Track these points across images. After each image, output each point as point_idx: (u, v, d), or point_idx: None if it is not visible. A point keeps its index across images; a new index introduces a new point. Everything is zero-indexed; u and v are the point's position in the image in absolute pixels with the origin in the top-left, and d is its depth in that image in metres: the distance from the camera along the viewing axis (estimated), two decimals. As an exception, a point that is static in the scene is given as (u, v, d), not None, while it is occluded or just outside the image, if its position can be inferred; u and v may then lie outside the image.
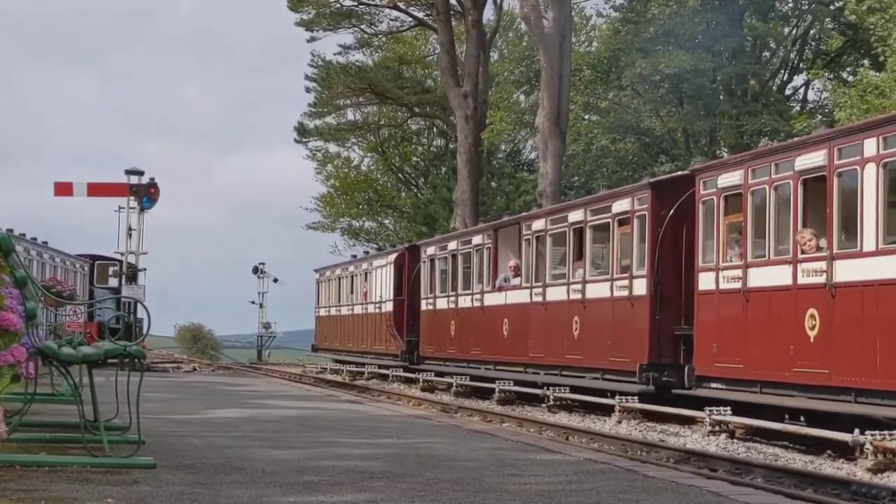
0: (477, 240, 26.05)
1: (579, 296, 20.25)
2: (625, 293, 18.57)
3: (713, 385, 16.33)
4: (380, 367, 32.53)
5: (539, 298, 22.11)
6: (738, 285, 15.66)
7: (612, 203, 19.39)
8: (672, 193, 17.94)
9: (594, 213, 20.15)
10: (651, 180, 19.07)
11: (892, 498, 10.07)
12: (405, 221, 53.82)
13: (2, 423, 6.47)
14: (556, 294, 21.39)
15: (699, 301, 16.79)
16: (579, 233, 20.68)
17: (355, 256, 42.89)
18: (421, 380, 27.81)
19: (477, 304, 25.50)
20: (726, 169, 16.50)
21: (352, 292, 37.49)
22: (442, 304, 28.04)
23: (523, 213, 25.59)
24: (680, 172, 19.88)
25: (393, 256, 32.42)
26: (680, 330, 17.58)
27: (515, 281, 23.43)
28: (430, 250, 29.53)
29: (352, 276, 37.88)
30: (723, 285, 16.14)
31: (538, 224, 22.59)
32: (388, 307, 32.06)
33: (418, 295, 29.85)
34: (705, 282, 16.65)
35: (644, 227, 18.21)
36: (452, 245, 27.87)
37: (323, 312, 42.55)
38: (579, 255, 20.61)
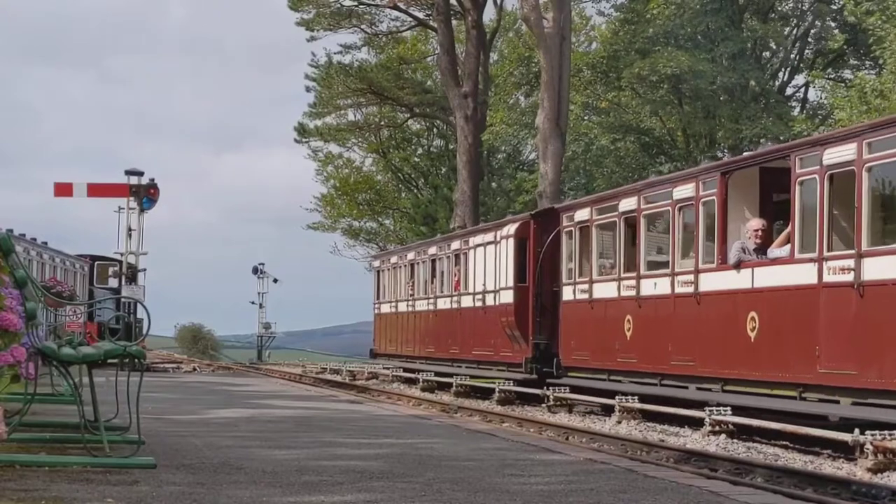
0: (684, 191, 17.13)
1: None
2: None
3: None
4: (475, 378, 24.91)
5: (842, 277, 13.46)
6: None
7: None
8: None
9: None
10: None
11: (892, 498, 10.07)
12: (405, 221, 53.85)
13: (2, 423, 6.47)
14: (890, 269, 12.87)
15: None
16: None
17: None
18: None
19: (685, 289, 16.96)
20: None
21: (432, 281, 29.31)
22: (606, 290, 19.73)
23: (790, 142, 17.74)
24: None
25: (513, 228, 23.65)
26: None
27: (779, 252, 15.06)
28: (582, 214, 20.89)
29: (432, 261, 29.47)
30: None
31: (839, 153, 13.68)
32: (504, 298, 23.66)
33: (552, 280, 22.33)
34: None
35: None
36: (629, 203, 18.96)
37: (386, 308, 33.75)
38: None
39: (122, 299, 29.61)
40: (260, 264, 54.99)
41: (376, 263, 35.95)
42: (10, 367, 6.92)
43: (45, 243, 29.01)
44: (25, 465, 6.87)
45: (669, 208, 17.61)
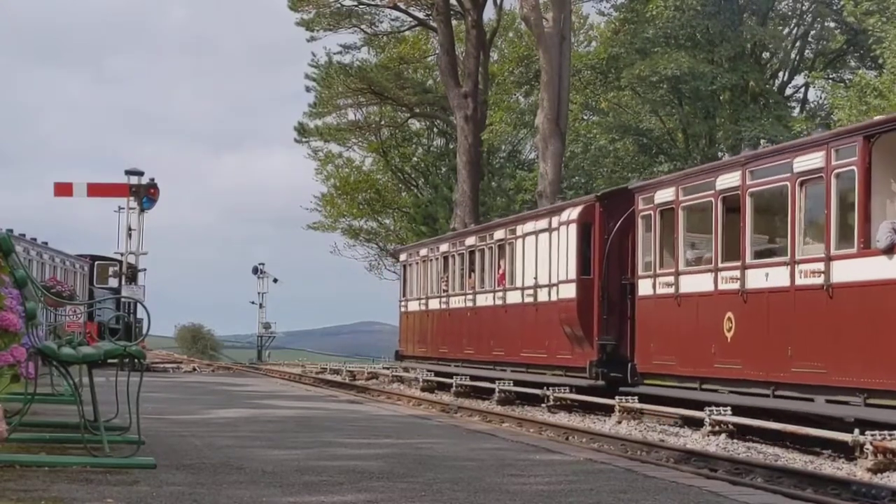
0: (809, 161, 14.33)
1: None
2: None
3: None
4: (527, 384, 21.66)
5: None
6: None
7: None
8: None
9: None
10: None
11: (892, 498, 10.07)
12: (405, 221, 53.87)
13: (2, 423, 6.47)
14: None
15: None
16: None
17: (479, 222, 32.17)
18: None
19: (810, 280, 14.10)
20: None
21: (470, 276, 26.61)
22: (698, 283, 16.89)
23: None
24: None
25: (575, 212, 20.70)
26: None
27: None
28: (664, 194, 18.01)
29: (470, 252, 26.73)
30: None
31: None
32: (564, 293, 20.77)
33: (620, 271, 19.77)
34: None
35: None
36: (729, 179, 16.08)
37: (414, 306, 30.87)
38: None
39: (122, 299, 29.61)
40: (260, 264, 55.11)
41: (403, 257, 33.14)
42: (10, 367, 6.92)
43: (45, 243, 29.01)
44: (25, 465, 6.87)
45: (787, 183, 14.71)
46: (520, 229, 23.49)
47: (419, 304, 30.33)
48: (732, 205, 16.00)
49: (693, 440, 15.14)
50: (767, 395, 14.95)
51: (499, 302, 24.50)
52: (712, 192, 16.50)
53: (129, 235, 30.13)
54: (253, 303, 54.89)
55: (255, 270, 54.90)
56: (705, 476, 9.81)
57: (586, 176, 42.89)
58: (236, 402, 15.62)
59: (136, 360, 7.41)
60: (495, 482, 7.04)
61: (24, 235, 26.22)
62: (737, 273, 15.75)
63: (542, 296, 21.91)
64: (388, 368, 31.73)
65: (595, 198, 20.96)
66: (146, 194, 29.66)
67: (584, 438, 15.51)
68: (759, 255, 15.58)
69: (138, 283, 30.54)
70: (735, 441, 14.79)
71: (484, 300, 25.48)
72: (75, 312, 22.97)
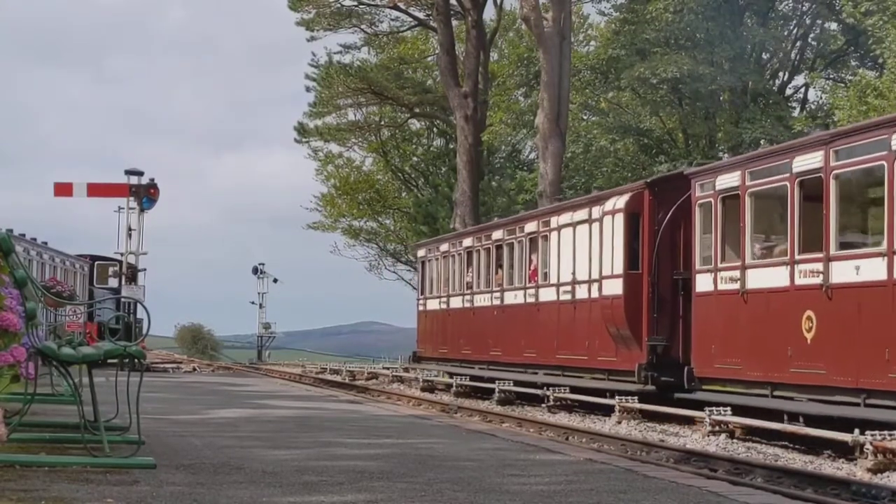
0: None
1: None
2: None
3: None
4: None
5: None
6: None
7: None
8: None
9: None
10: None
11: (892, 498, 10.08)
12: (406, 221, 53.86)
13: (1, 425, 6.47)
14: None
15: None
16: None
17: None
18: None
19: None
20: None
21: (497, 271, 25.03)
22: (769, 278, 15.21)
23: None
24: None
25: (621, 201, 19.02)
26: None
27: None
28: (727, 179, 16.30)
29: (497, 247, 25.05)
30: None
31: None
32: (609, 289, 19.07)
33: (672, 266, 18.31)
34: None
35: None
36: (809, 160, 14.33)
37: (433, 305, 29.30)
38: None
39: (122, 299, 29.63)
40: (260, 264, 55.19)
41: (421, 253, 31.54)
42: (10, 367, 6.92)
43: (45, 243, 29.01)
44: (25, 465, 6.86)
45: (883, 162, 12.94)
46: (554, 221, 21.83)
47: (439, 303, 28.71)
48: (812, 190, 14.27)
49: (693, 440, 15.15)
50: (857, 404, 13.29)
51: (530, 300, 22.85)
52: (787, 175, 14.71)
53: (129, 235, 30.14)
54: (253, 303, 55.01)
55: (255, 270, 54.96)
56: (705, 476, 9.81)
57: (586, 176, 42.89)
58: (236, 402, 15.62)
59: (136, 360, 7.41)
60: (495, 482, 7.04)
61: (24, 235, 26.22)
62: (819, 266, 13.96)
63: (582, 292, 20.35)
64: (388, 369, 31.75)
65: (644, 184, 19.18)
66: (146, 194, 29.67)
67: (584, 438, 15.52)
68: (846, 245, 13.84)
69: (138, 283, 30.55)
70: (735, 441, 14.80)
71: (513, 298, 23.83)
72: (75, 312, 22.97)
